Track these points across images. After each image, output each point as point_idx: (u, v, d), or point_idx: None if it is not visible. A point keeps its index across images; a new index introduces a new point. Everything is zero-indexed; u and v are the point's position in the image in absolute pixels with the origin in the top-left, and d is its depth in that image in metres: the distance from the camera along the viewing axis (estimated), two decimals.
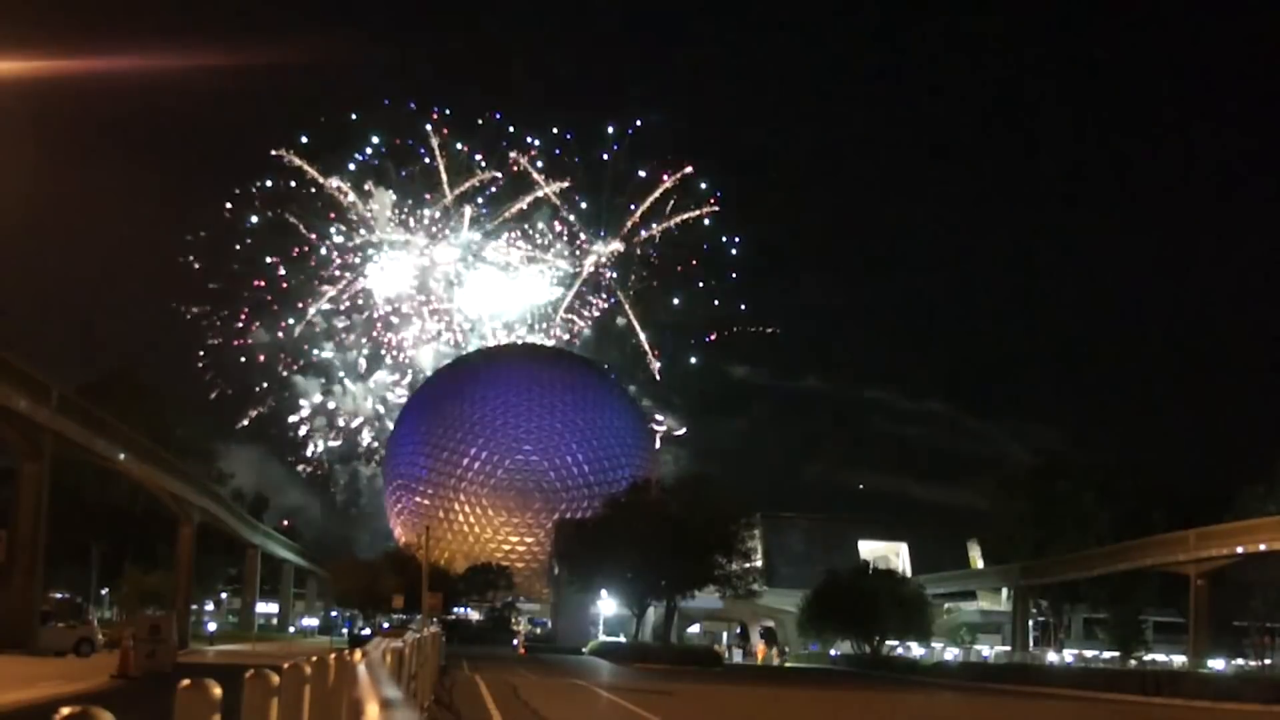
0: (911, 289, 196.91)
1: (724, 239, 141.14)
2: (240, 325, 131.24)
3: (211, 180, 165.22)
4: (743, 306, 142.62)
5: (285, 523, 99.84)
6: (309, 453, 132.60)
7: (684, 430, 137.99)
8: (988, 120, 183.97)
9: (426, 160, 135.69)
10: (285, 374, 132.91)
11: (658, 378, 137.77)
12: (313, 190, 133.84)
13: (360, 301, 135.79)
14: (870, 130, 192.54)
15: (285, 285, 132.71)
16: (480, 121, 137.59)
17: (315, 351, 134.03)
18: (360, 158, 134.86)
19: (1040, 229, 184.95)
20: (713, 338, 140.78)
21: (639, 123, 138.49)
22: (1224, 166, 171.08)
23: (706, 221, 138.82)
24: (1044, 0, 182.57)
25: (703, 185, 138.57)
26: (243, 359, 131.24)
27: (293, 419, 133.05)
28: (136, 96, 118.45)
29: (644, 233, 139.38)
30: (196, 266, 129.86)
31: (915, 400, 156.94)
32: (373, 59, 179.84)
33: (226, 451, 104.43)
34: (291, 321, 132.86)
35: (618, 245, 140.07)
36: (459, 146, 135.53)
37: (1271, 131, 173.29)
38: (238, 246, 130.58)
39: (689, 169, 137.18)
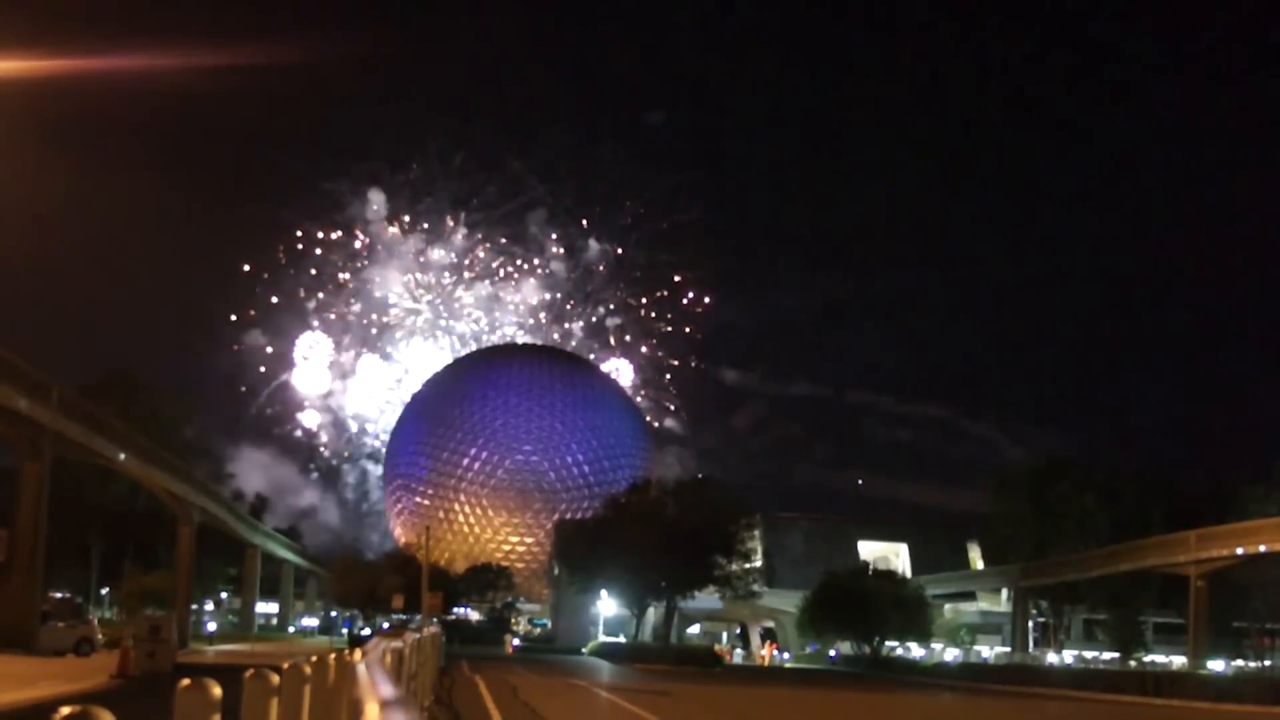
0: (910, 290, 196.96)
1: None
2: (241, 325, 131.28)
3: (212, 180, 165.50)
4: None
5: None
6: (320, 450, 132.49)
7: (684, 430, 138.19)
8: (985, 120, 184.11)
9: (422, 164, 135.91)
10: (286, 376, 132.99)
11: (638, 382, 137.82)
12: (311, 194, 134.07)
13: (359, 303, 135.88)
14: (864, 131, 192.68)
15: (284, 286, 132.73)
16: (477, 121, 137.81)
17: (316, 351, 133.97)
18: (358, 160, 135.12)
19: (1039, 229, 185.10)
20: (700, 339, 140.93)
21: (637, 126, 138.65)
22: (1225, 166, 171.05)
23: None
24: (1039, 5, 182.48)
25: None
26: (242, 359, 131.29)
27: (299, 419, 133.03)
28: (138, 97, 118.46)
29: (635, 236, 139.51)
30: (197, 267, 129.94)
31: (913, 403, 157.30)
32: (373, 62, 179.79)
33: (237, 453, 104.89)
34: (291, 320, 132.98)
35: (610, 248, 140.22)
36: (456, 150, 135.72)
37: (1272, 130, 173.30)
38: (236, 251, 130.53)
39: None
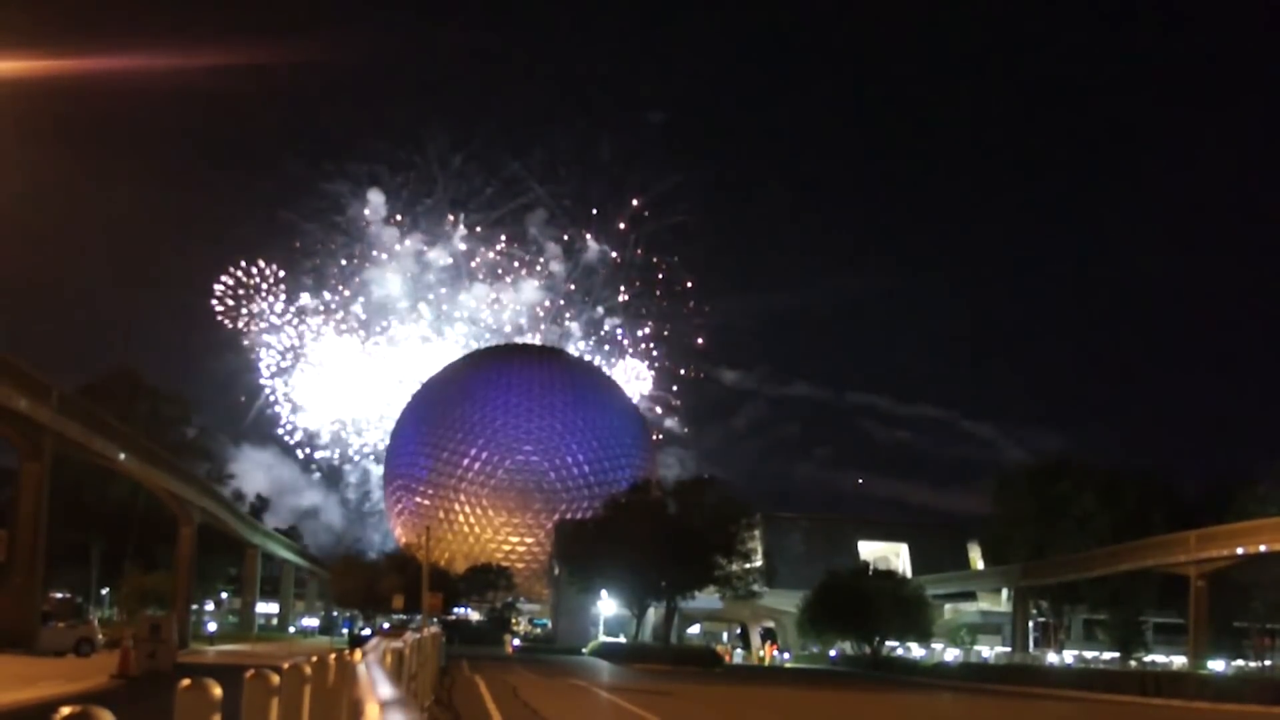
0: (911, 290, 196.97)
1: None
2: (240, 325, 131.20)
3: (212, 179, 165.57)
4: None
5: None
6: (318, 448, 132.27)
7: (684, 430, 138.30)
8: (986, 121, 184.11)
9: (422, 165, 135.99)
10: (286, 376, 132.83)
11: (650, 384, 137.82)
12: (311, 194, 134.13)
13: (358, 304, 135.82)
14: (864, 131, 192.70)
15: (283, 286, 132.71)
16: (477, 122, 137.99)
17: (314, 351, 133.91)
18: (357, 160, 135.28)
19: (1039, 229, 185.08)
20: (701, 342, 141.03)
21: (635, 125, 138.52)
22: (1225, 167, 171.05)
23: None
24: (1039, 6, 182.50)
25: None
26: (242, 359, 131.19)
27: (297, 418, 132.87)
28: (138, 97, 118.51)
29: (634, 238, 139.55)
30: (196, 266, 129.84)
31: (913, 403, 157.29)
32: (373, 62, 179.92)
33: (239, 453, 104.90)
34: (291, 322, 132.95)
35: (609, 249, 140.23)
36: (455, 151, 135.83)
37: (1271, 132, 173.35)
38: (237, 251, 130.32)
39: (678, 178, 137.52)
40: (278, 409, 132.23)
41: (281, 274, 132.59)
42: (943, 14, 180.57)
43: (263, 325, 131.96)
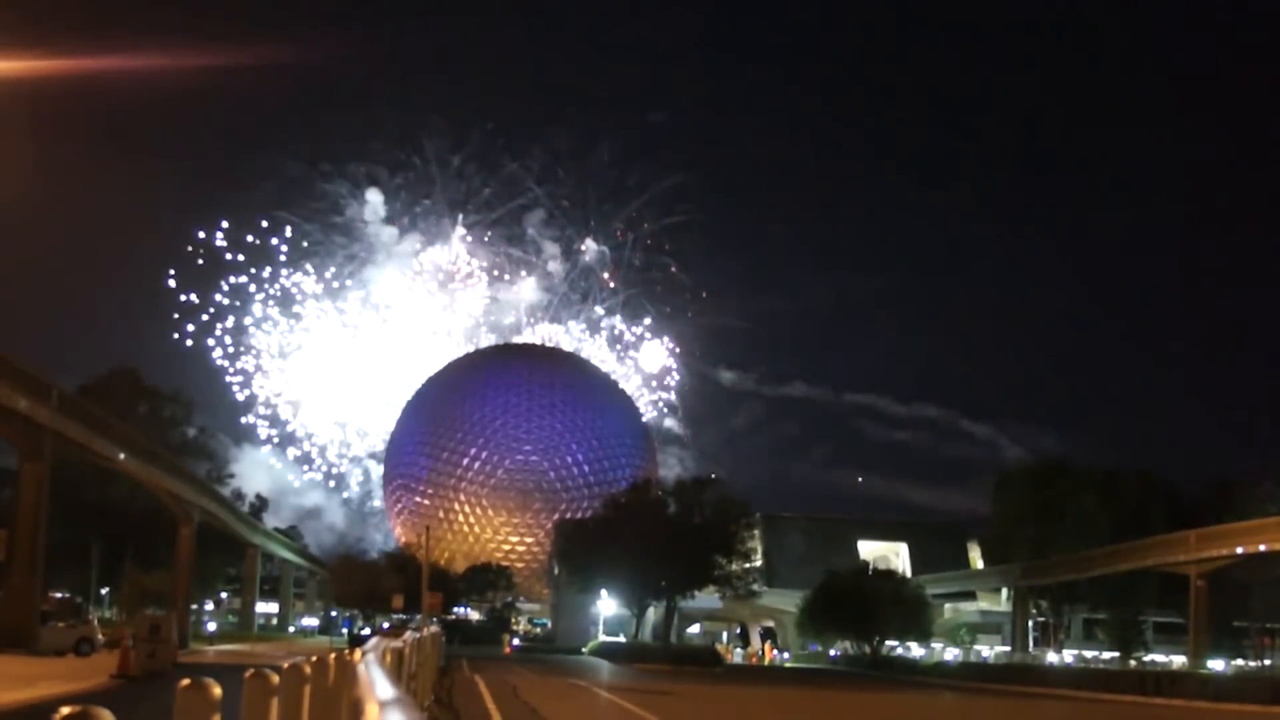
0: (910, 290, 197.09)
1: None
2: (239, 325, 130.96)
3: (211, 179, 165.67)
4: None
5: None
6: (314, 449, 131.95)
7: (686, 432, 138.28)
8: (982, 121, 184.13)
9: (421, 162, 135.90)
10: (286, 376, 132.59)
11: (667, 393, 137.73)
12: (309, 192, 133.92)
13: (357, 304, 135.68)
14: (864, 131, 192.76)
15: (281, 287, 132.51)
16: (476, 123, 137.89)
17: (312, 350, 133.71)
18: (357, 159, 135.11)
19: (1038, 230, 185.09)
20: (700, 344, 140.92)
21: (637, 126, 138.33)
22: (1224, 167, 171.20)
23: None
24: (1038, 6, 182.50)
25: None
26: (242, 359, 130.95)
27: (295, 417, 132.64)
28: (137, 97, 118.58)
29: (634, 238, 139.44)
30: (197, 264, 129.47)
31: (913, 403, 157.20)
32: (371, 63, 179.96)
33: (240, 454, 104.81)
34: (289, 321, 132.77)
35: (608, 249, 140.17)
36: (455, 152, 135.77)
37: (1270, 132, 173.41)
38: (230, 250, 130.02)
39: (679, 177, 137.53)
40: (277, 409, 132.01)
41: (280, 274, 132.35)
42: (941, 14, 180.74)
43: (254, 323, 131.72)
